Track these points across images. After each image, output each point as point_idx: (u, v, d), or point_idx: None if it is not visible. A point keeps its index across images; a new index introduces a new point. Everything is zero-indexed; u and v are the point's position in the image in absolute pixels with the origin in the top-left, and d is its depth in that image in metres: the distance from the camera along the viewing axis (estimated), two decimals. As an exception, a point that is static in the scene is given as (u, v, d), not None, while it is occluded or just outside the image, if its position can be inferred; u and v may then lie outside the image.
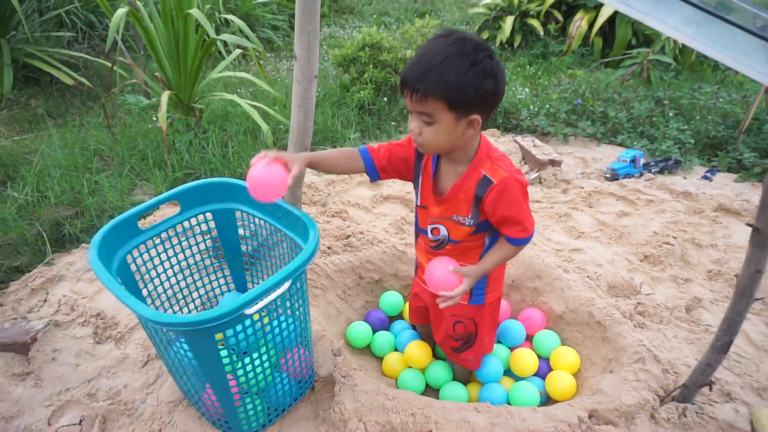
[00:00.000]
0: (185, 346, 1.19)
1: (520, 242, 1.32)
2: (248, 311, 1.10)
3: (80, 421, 1.45)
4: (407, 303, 1.98)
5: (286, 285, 1.17)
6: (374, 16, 6.39)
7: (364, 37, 3.59)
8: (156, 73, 2.88)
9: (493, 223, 1.33)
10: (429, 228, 1.41)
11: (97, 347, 1.69)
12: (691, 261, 2.29)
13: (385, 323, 1.97)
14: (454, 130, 1.17)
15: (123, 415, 1.48)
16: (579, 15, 5.00)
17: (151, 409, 1.49)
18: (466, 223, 1.32)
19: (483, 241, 1.40)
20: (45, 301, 1.87)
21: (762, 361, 1.79)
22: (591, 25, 4.93)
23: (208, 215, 1.52)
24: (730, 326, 1.36)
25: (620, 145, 3.51)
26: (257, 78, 3.31)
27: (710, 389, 1.50)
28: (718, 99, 3.79)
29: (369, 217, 2.51)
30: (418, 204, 1.41)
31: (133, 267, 1.38)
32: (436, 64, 1.09)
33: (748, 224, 1.27)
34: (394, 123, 3.56)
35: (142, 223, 1.90)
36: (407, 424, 1.40)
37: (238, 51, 3.22)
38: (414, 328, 1.92)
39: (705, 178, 3.10)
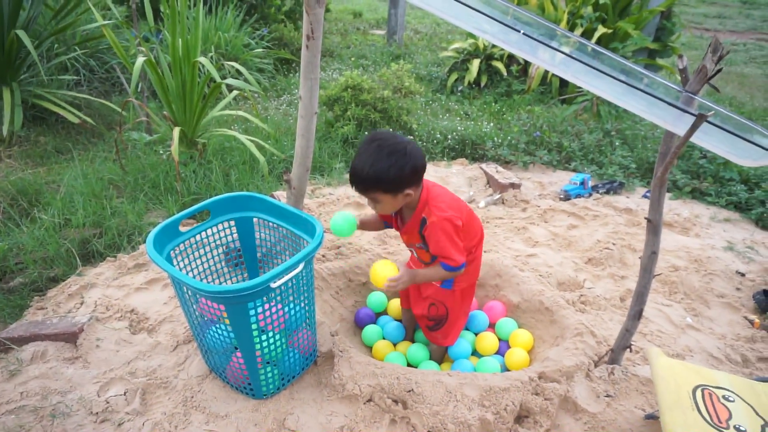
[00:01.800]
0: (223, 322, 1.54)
1: (448, 268, 1.73)
2: (273, 284, 1.47)
3: (125, 393, 1.77)
4: (390, 301, 2.36)
5: (300, 267, 1.55)
6: (352, 59, 6.92)
7: (347, 80, 4.06)
8: (164, 112, 3.26)
9: (432, 252, 1.75)
10: (409, 248, 1.95)
11: (133, 337, 2.02)
12: (628, 262, 2.72)
13: (373, 318, 2.33)
14: (395, 201, 1.66)
15: (159, 387, 1.81)
16: (537, 58, 5.57)
17: (182, 382, 1.82)
18: (424, 248, 1.79)
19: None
20: (82, 303, 2.19)
21: (679, 336, 2.21)
22: (548, 67, 5.49)
23: (232, 222, 1.89)
24: (639, 297, 1.77)
25: (573, 170, 3.99)
26: (251, 115, 3.72)
27: (630, 351, 1.90)
28: (656, 130, 4.34)
29: (356, 232, 2.89)
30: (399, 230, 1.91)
31: (174, 262, 1.74)
32: (367, 168, 1.56)
33: (645, 218, 1.70)
34: (374, 154, 3.98)
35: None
36: (393, 384, 1.76)
37: (235, 92, 3.63)
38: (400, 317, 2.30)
39: (645, 197, 3.58)
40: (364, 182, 1.60)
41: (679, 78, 1.47)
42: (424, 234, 1.74)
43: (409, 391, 1.74)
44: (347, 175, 3.63)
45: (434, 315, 1.96)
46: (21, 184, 3.06)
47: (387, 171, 1.56)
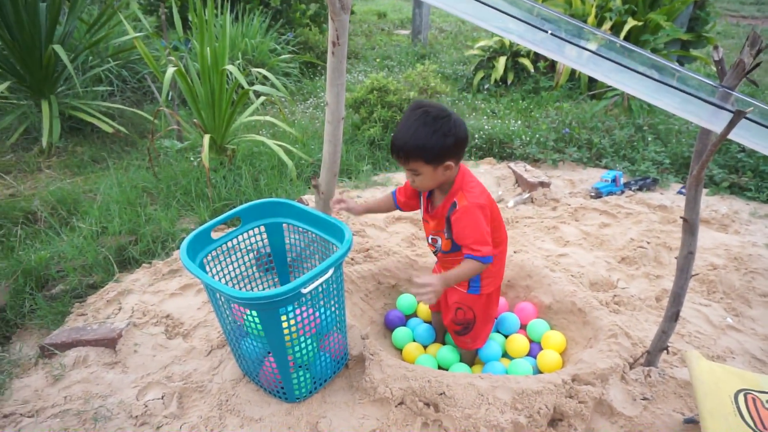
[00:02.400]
0: (258, 325, 1.56)
1: (474, 258, 1.62)
2: (304, 290, 1.49)
3: (162, 397, 1.81)
4: (420, 303, 2.36)
5: (330, 272, 1.56)
6: (378, 60, 6.93)
7: (372, 82, 4.07)
8: (194, 120, 3.33)
9: (456, 240, 1.70)
10: (429, 237, 1.86)
11: (169, 342, 2.07)
12: (663, 261, 2.65)
13: (403, 320, 2.33)
14: (435, 175, 1.61)
15: (195, 391, 1.85)
16: (565, 53, 5.48)
17: (217, 386, 1.86)
18: (446, 237, 1.75)
19: (462, 257, 1.74)
20: (120, 309, 2.25)
21: (719, 337, 2.14)
22: (576, 62, 5.40)
23: (262, 228, 1.92)
24: (676, 299, 1.73)
25: (604, 167, 3.92)
26: (278, 120, 3.76)
27: (667, 353, 1.85)
28: (690, 124, 4.22)
29: (384, 234, 2.90)
30: (421, 217, 1.87)
31: (207, 268, 1.77)
32: (410, 135, 1.53)
33: (681, 217, 1.65)
34: (401, 155, 3.99)
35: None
36: (424, 388, 1.76)
37: (263, 98, 3.69)
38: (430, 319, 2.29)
39: (680, 193, 3.49)
40: (405, 149, 1.56)
41: (714, 69, 1.43)
42: (451, 219, 1.68)
43: (441, 394, 1.73)
44: (375, 177, 3.64)
45: (461, 319, 1.95)
46: (60, 194, 3.17)
47: (430, 138, 1.53)
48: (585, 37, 1.57)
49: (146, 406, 1.76)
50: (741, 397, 1.38)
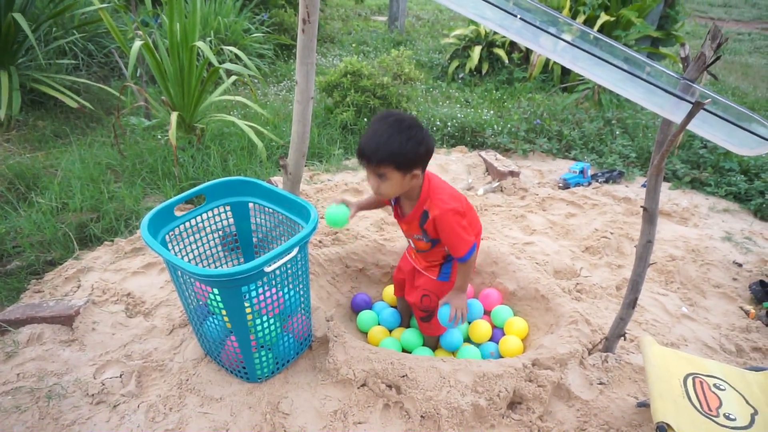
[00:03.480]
0: (220, 303, 1.54)
1: (463, 259, 1.74)
2: (267, 269, 1.47)
3: (120, 375, 1.78)
4: (385, 288, 2.37)
5: (295, 251, 1.55)
6: (353, 45, 6.87)
7: (346, 66, 4.03)
8: (162, 97, 3.25)
9: (443, 244, 1.78)
10: (408, 238, 1.93)
11: (129, 320, 2.03)
12: (625, 252, 2.72)
13: (369, 304, 2.33)
14: (402, 182, 1.61)
15: (155, 370, 1.82)
16: (539, 45, 5.53)
17: (178, 365, 1.83)
18: (424, 240, 1.82)
19: (443, 253, 1.89)
20: (79, 287, 2.20)
21: (674, 325, 2.21)
22: (550, 55, 5.45)
23: (228, 207, 1.89)
24: (634, 286, 1.77)
25: (573, 159, 3.98)
26: (249, 101, 3.70)
27: (624, 339, 1.90)
28: (657, 119, 4.31)
29: (353, 219, 2.89)
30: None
31: (169, 246, 1.74)
32: (384, 141, 1.53)
33: (641, 206, 1.69)
34: (373, 141, 3.97)
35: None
36: (387, 370, 1.77)
37: (234, 77, 3.61)
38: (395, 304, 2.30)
39: (644, 186, 3.57)
40: (378, 154, 1.55)
41: (681, 67, 1.46)
42: (426, 228, 1.74)
43: (403, 376, 1.75)
44: (346, 162, 3.63)
45: (426, 306, 1.96)
46: (18, 169, 3.06)
47: (405, 144, 1.54)
48: (560, 27, 1.58)
49: (103, 385, 1.72)
50: (690, 381, 1.43)
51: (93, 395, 1.70)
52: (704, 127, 1.43)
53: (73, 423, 1.61)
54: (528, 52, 5.80)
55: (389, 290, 2.33)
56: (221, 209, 1.90)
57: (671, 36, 5.62)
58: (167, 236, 1.71)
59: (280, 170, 3.35)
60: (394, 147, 1.54)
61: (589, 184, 3.55)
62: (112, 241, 2.52)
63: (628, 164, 3.82)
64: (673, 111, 1.45)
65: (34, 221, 2.51)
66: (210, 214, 1.87)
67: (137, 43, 2.90)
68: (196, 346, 1.90)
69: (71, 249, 2.45)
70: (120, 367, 1.82)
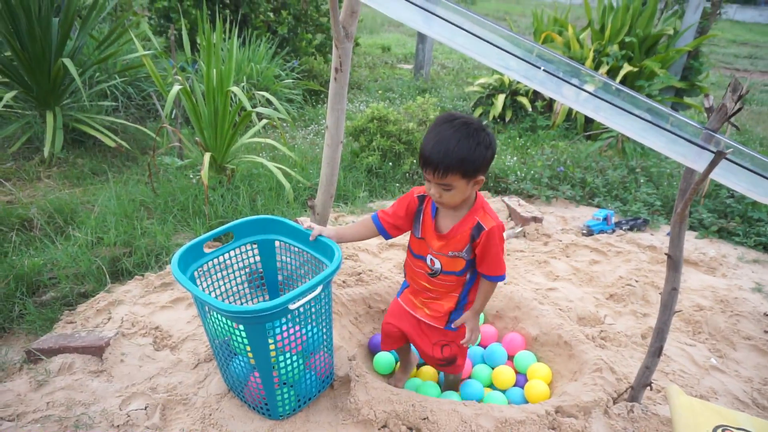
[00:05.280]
0: (245, 340, 1.58)
1: (495, 279, 1.69)
2: (291, 306, 1.51)
3: (145, 408, 1.81)
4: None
5: (319, 289, 1.59)
6: (379, 92, 7.07)
7: (373, 111, 4.16)
8: (196, 138, 3.39)
9: (478, 260, 1.67)
10: (428, 257, 1.74)
11: (156, 353, 2.07)
12: (650, 300, 2.68)
13: (390, 345, 2.33)
14: (466, 191, 1.55)
15: (179, 404, 1.84)
16: (562, 94, 5.63)
17: (202, 400, 1.86)
18: (463, 257, 1.67)
19: (465, 278, 1.74)
20: (109, 319, 2.26)
21: (702, 377, 2.16)
22: (573, 103, 5.54)
23: (254, 244, 1.95)
24: (659, 334, 1.75)
25: (597, 206, 3.98)
26: (278, 143, 3.83)
27: (651, 389, 1.86)
28: (683, 167, 4.29)
29: (376, 260, 2.93)
30: (417, 236, 1.75)
31: (198, 282, 1.79)
32: (452, 147, 1.45)
33: (666, 254, 1.70)
34: (397, 184, 4.05)
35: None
36: (408, 411, 1.76)
37: (264, 121, 3.76)
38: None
39: (669, 234, 3.54)
40: (446, 162, 1.45)
41: (706, 116, 1.49)
42: (478, 240, 1.61)
43: (424, 419, 1.74)
44: (371, 204, 3.69)
45: (449, 356, 1.88)
46: (58, 203, 3.20)
47: (474, 150, 1.46)
48: (582, 78, 1.64)
49: (128, 416, 1.75)
50: (719, 433, 1.40)
51: (118, 426, 1.72)
52: (728, 177, 1.45)
53: (98, 454, 1.63)
54: (551, 101, 5.90)
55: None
56: (248, 247, 1.95)
57: (695, 86, 5.67)
58: (196, 272, 1.77)
59: (306, 210, 3.44)
60: (464, 153, 1.45)
61: (613, 231, 3.54)
62: (143, 275, 2.60)
63: (653, 212, 3.81)
64: (696, 160, 1.48)
65: (70, 254, 2.61)
66: (238, 251, 1.93)
67: (176, 88, 3.06)
68: (220, 381, 1.92)
69: (104, 282, 2.52)
70: (145, 399, 1.85)
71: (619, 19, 5.56)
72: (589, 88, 1.59)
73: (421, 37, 7.78)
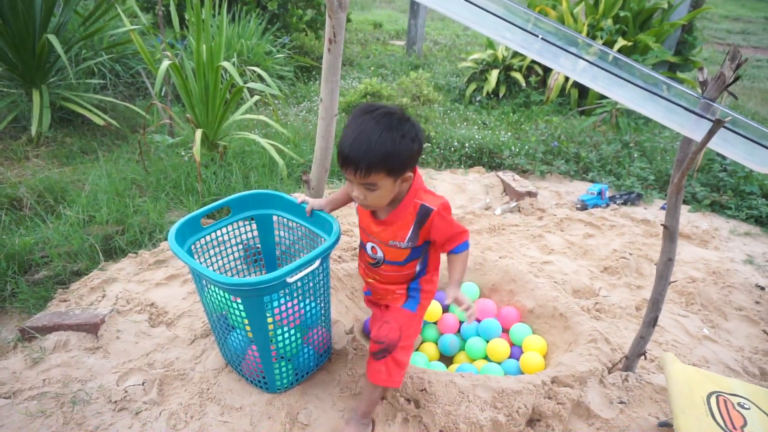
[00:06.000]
0: (243, 313, 1.57)
1: (462, 248, 1.51)
2: (289, 279, 1.50)
3: (143, 383, 1.81)
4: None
5: (317, 263, 1.58)
6: (372, 68, 6.99)
7: (366, 87, 4.11)
8: (187, 115, 3.34)
9: (438, 243, 1.52)
10: (368, 245, 1.59)
11: (152, 329, 2.06)
12: (644, 273, 2.70)
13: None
14: (393, 190, 1.38)
15: (177, 379, 1.85)
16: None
17: (199, 375, 1.86)
18: (402, 246, 1.50)
19: (414, 269, 1.57)
20: (103, 296, 2.24)
21: (695, 347, 2.19)
22: (567, 78, 5.51)
23: (252, 219, 1.93)
24: (654, 304, 1.77)
25: (591, 181, 3.98)
26: (271, 120, 3.78)
27: (645, 358, 1.89)
28: (676, 142, 4.31)
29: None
30: (359, 224, 1.62)
31: (195, 256, 1.78)
32: (374, 141, 1.25)
33: (662, 224, 1.70)
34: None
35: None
36: (406, 383, 1.77)
37: (256, 97, 3.70)
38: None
39: (663, 209, 3.56)
40: (368, 159, 1.27)
41: (699, 91, 1.48)
42: (428, 223, 1.45)
43: (422, 390, 1.75)
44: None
45: (383, 337, 1.56)
46: (47, 182, 3.15)
47: (398, 144, 1.27)
48: (580, 48, 1.62)
49: (126, 392, 1.75)
50: (713, 399, 1.42)
51: (116, 402, 1.72)
52: (724, 146, 1.45)
53: (96, 428, 1.63)
54: (545, 76, 5.86)
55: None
56: (246, 221, 1.94)
57: (689, 61, 5.64)
58: (193, 247, 1.75)
59: (301, 187, 3.41)
60: (387, 148, 1.27)
61: (607, 205, 3.55)
62: (136, 253, 2.58)
63: (647, 187, 3.82)
64: (694, 129, 1.47)
65: (61, 233, 2.58)
66: (235, 225, 1.91)
67: (165, 63, 3.00)
68: (216, 356, 1.92)
69: (97, 260, 2.50)
70: (142, 375, 1.85)
71: (614, -7, 5.50)
72: (587, 57, 1.57)
73: (414, 13, 7.67)
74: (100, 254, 2.52)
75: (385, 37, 9.82)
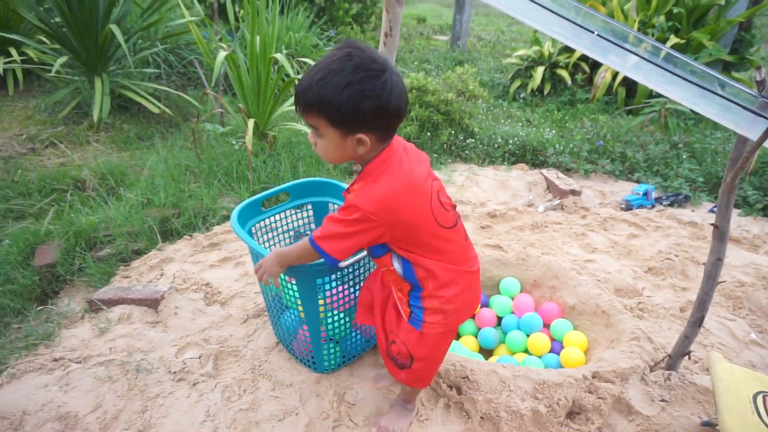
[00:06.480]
0: (296, 293, 1.66)
1: (313, 242, 1.27)
2: (342, 264, 1.57)
3: (199, 357, 1.92)
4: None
5: (364, 253, 1.65)
6: (416, 63, 7.02)
7: (412, 81, 4.16)
8: (240, 105, 3.46)
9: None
10: None
11: (207, 308, 2.18)
12: (690, 275, 2.67)
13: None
14: (342, 147, 1.18)
15: (230, 355, 1.95)
16: (604, 67, 5.51)
17: (251, 352, 1.96)
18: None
19: (392, 266, 1.36)
20: (162, 275, 2.38)
21: (741, 351, 2.16)
22: (615, 77, 5.42)
23: (309, 206, 2.02)
24: (701, 304, 1.76)
25: (636, 181, 3.92)
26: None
27: (689, 358, 1.88)
28: (727, 144, 4.20)
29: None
30: None
31: (255, 238, 1.88)
32: (317, 80, 1.10)
33: (711, 224, 1.69)
34: (435, 155, 4.06)
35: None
36: (449, 370, 1.83)
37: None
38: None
39: (711, 211, 3.49)
40: (305, 96, 1.13)
41: (756, 90, 1.47)
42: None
43: (464, 377, 1.80)
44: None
45: (395, 355, 1.49)
46: (108, 166, 3.33)
47: (340, 92, 1.09)
48: (630, 43, 1.63)
49: (184, 364, 1.87)
50: (760, 399, 1.42)
51: (175, 373, 1.84)
52: (782, 146, 1.44)
53: (157, 396, 1.75)
54: (592, 74, 5.77)
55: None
56: (303, 207, 2.03)
57: (745, 60, 5.46)
58: (252, 228, 1.85)
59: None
60: (326, 92, 1.09)
61: (653, 206, 3.50)
62: (191, 235, 2.71)
63: (695, 189, 3.74)
64: (749, 128, 1.46)
65: (122, 214, 2.73)
66: (292, 211, 2.00)
67: (222, 54, 3.12)
68: (268, 335, 2.02)
69: (155, 241, 2.64)
70: (199, 349, 1.96)
71: (668, -11, 5.37)
72: (639, 52, 1.57)
73: (459, 8, 7.66)
74: (158, 235, 2.67)
75: (429, 31, 9.82)
